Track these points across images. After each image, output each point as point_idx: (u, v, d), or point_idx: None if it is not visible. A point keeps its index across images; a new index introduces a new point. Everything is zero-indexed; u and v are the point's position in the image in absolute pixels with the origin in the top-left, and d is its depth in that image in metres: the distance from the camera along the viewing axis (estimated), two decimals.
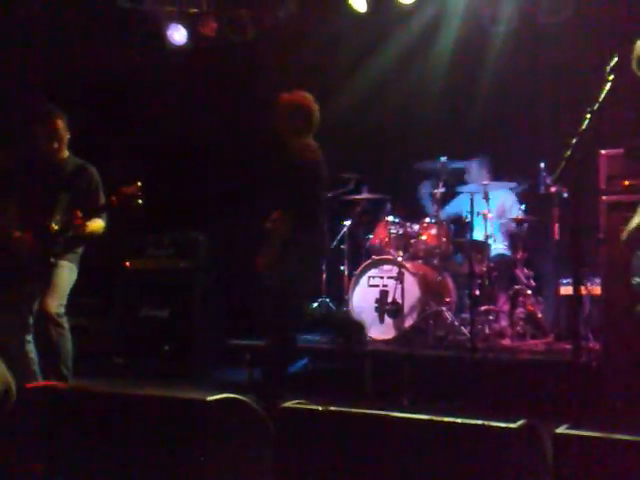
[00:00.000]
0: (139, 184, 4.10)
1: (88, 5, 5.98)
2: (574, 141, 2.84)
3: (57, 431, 2.24)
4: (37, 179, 4.22)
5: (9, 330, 4.06)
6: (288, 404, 2.08)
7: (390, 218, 5.64)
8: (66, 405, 2.28)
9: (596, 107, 2.92)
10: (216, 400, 2.04)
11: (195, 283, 5.85)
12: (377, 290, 5.41)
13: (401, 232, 5.56)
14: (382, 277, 5.43)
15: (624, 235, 3.17)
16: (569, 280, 4.81)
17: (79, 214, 4.01)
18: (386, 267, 5.43)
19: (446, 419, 1.85)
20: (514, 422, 1.73)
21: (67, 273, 4.16)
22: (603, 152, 4.24)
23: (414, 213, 5.85)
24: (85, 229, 4.07)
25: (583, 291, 4.77)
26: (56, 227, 4.08)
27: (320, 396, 4.11)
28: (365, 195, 5.92)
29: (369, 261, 5.52)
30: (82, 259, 4.31)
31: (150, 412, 2.17)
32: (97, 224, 4.18)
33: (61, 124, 4.28)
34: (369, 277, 5.48)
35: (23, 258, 4.04)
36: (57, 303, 4.06)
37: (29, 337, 4.09)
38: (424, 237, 5.50)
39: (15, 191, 4.21)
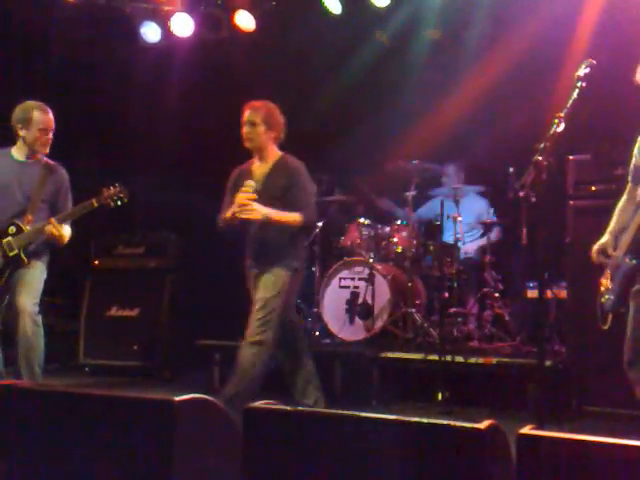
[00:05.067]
0: (118, 185, 4.15)
1: (62, 1, 5.91)
2: (542, 146, 2.88)
3: (20, 430, 2.21)
4: (10, 179, 4.15)
5: None
6: (256, 404, 2.08)
7: (362, 220, 5.67)
8: (30, 404, 2.25)
9: (564, 113, 2.96)
10: (183, 400, 2.03)
11: (165, 283, 5.82)
12: (348, 291, 5.43)
13: (372, 234, 5.60)
14: (353, 278, 5.45)
15: (593, 253, 3.23)
16: (536, 283, 4.88)
17: (53, 221, 4.00)
18: (357, 268, 5.46)
19: (413, 419, 1.86)
20: (480, 423, 1.75)
21: (40, 272, 4.14)
22: (571, 157, 4.31)
23: (386, 215, 5.88)
24: (62, 238, 4.05)
25: (549, 294, 4.85)
26: (27, 228, 4.05)
27: (289, 396, 4.12)
28: (337, 196, 5.94)
29: (340, 262, 5.54)
30: (50, 257, 4.27)
31: (116, 412, 2.15)
32: (67, 231, 4.16)
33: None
34: (340, 278, 5.50)
35: None
36: (33, 301, 4.04)
37: None
38: (395, 239, 5.54)
39: None
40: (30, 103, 4.18)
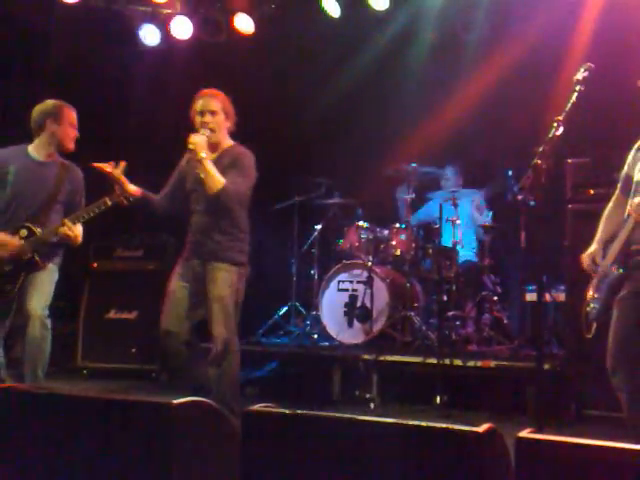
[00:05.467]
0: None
1: (61, 4, 5.91)
2: (541, 149, 2.89)
3: (19, 433, 2.21)
4: (29, 180, 4.07)
5: None
6: (255, 407, 2.08)
7: (361, 223, 5.67)
8: (29, 407, 2.25)
9: (563, 116, 2.97)
10: (181, 403, 2.03)
11: (163, 285, 5.80)
12: (346, 294, 5.43)
13: (371, 237, 5.60)
14: (352, 281, 5.45)
15: (583, 262, 3.26)
16: (534, 287, 4.88)
17: (67, 222, 3.93)
18: (356, 271, 5.46)
19: (411, 422, 1.86)
20: (478, 426, 1.75)
21: (51, 275, 4.08)
22: (569, 161, 4.31)
23: (384, 218, 5.89)
24: (77, 238, 4.01)
25: (548, 298, 4.86)
26: (39, 230, 3.98)
27: (288, 399, 4.11)
28: (336, 200, 5.94)
29: (339, 265, 5.54)
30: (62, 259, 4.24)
31: (114, 415, 2.15)
32: (80, 230, 4.08)
33: None
34: (339, 281, 5.50)
35: (5, 259, 3.93)
36: (44, 305, 4.00)
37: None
38: (394, 242, 5.54)
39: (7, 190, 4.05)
40: (55, 100, 4.14)
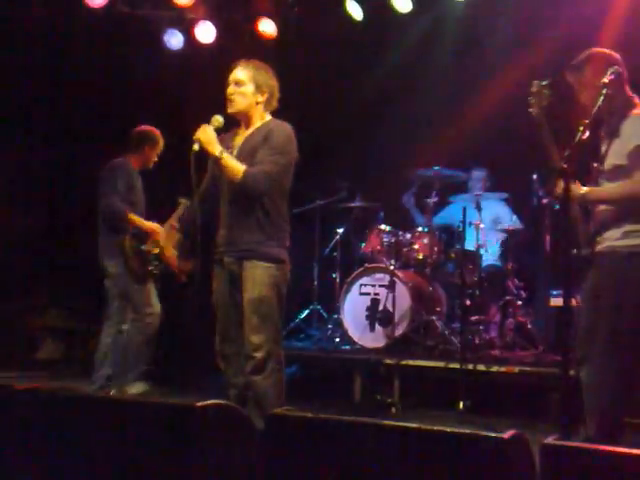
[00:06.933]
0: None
1: (86, 8, 5.98)
2: (567, 153, 2.86)
3: (46, 434, 2.23)
4: (139, 187, 4.92)
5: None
6: (277, 411, 2.08)
7: (383, 226, 5.66)
8: (55, 408, 2.27)
9: (589, 120, 2.94)
10: (205, 406, 2.04)
11: (188, 287, 5.83)
12: (368, 298, 5.41)
13: (393, 241, 5.57)
14: (374, 285, 5.43)
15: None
16: (559, 292, 4.82)
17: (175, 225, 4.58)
18: (378, 275, 5.44)
19: (435, 428, 1.85)
20: (503, 432, 1.73)
21: None
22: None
23: (406, 222, 5.87)
24: None
25: (573, 303, 4.80)
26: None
27: (309, 403, 4.11)
28: (358, 203, 5.93)
29: (361, 269, 5.53)
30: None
31: (138, 417, 2.17)
32: None
33: None
34: (361, 285, 5.48)
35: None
36: None
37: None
38: (416, 246, 5.51)
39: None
40: (155, 130, 4.96)
